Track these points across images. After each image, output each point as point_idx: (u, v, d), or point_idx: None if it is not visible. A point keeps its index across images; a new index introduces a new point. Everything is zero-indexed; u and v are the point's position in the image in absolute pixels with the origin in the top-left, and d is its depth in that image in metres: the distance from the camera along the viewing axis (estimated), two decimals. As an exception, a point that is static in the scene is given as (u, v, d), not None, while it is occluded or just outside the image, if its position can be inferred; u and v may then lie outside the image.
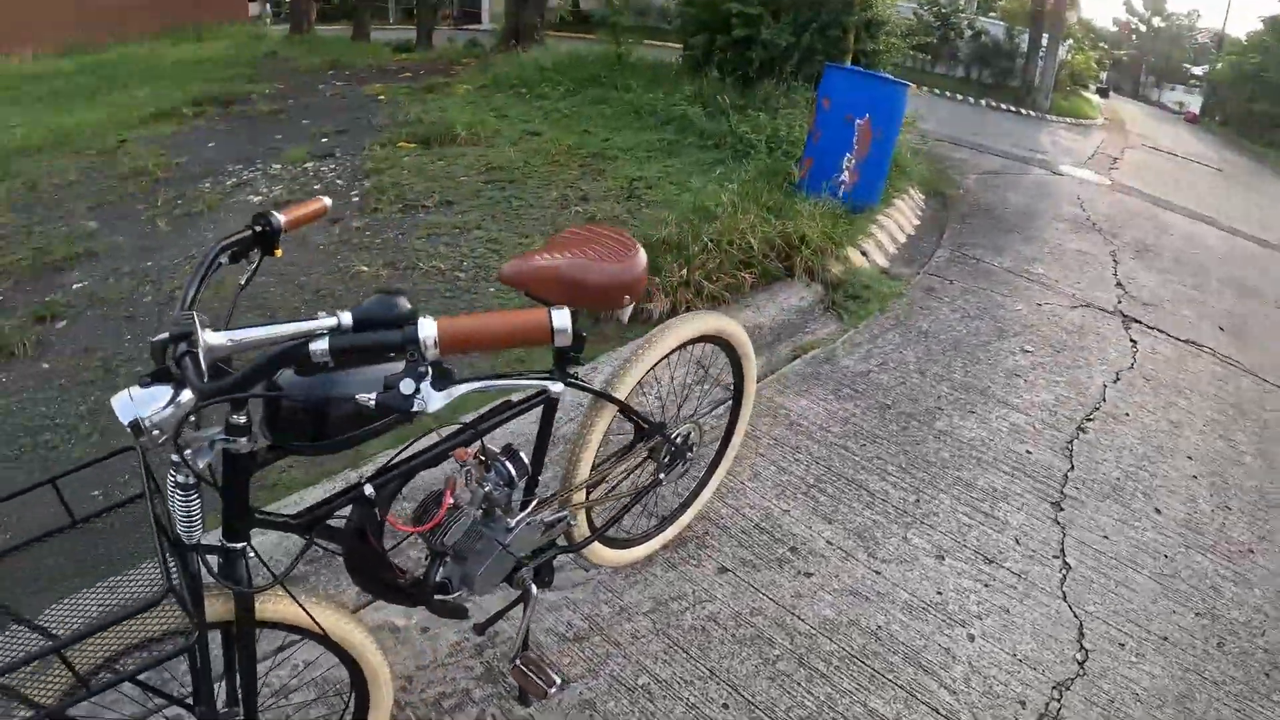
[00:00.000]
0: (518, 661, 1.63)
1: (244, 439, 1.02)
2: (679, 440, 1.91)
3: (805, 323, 3.39)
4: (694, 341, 1.88)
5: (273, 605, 1.16)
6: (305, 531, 1.24)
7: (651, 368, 1.75)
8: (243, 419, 1.02)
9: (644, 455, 1.89)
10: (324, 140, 4.69)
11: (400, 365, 1.03)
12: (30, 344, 2.93)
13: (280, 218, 1.31)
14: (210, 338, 0.97)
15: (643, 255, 1.60)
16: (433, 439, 1.40)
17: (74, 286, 3.41)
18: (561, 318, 0.97)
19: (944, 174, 6.34)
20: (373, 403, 0.98)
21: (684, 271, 2.94)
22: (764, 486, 2.38)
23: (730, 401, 2.16)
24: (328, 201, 1.42)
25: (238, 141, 4.84)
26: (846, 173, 4.36)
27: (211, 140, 4.90)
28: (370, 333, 0.98)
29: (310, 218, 1.39)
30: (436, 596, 1.48)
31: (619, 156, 4.22)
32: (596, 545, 1.86)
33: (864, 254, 4.10)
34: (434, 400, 0.99)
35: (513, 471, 1.45)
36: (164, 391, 0.94)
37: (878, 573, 2.10)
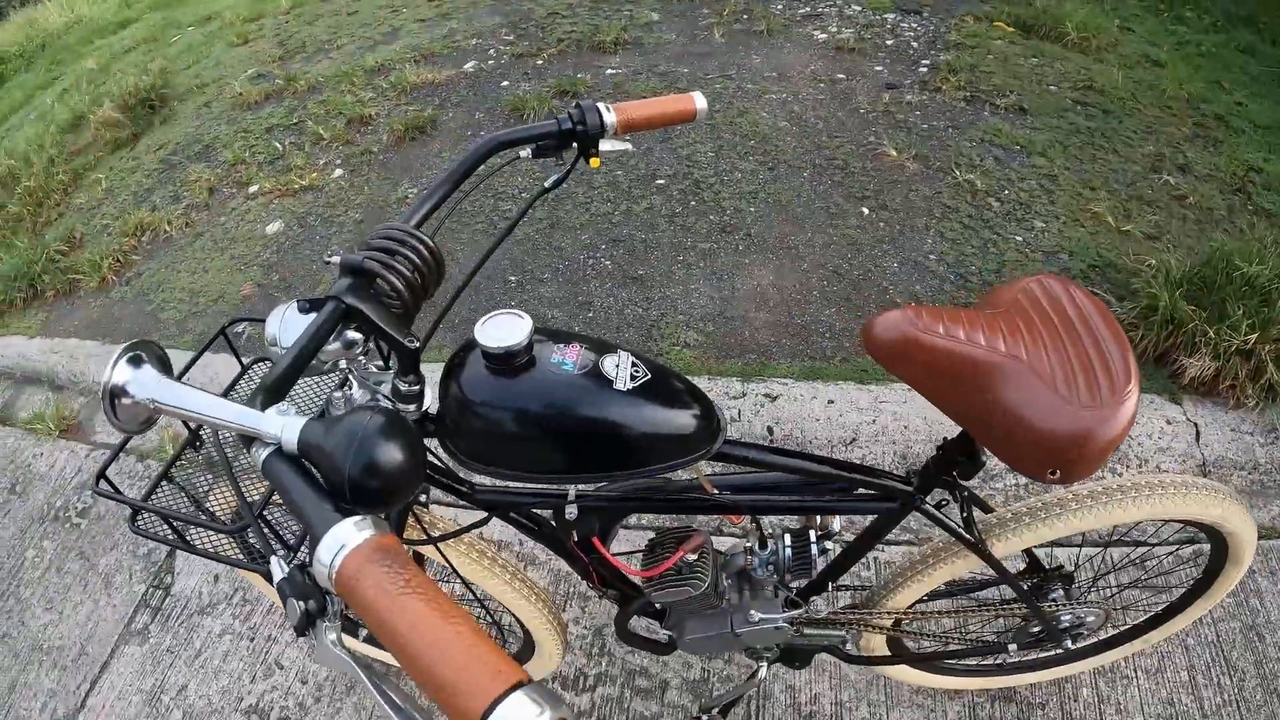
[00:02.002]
0: (703, 718, 1.48)
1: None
2: (1065, 622, 1.38)
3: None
4: (1167, 521, 1.27)
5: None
6: (487, 509, 1.07)
7: (1075, 534, 1.20)
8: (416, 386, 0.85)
9: (1003, 610, 1.40)
10: (918, -7, 4.28)
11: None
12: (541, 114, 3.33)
13: (610, 117, 0.99)
14: (138, 384, 0.71)
15: (1133, 402, 0.92)
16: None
17: (606, 72, 3.66)
18: None
19: None
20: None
21: (1252, 336, 2.14)
22: (1154, 693, 1.73)
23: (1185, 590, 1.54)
24: (700, 104, 1.06)
25: (835, -33, 4.65)
26: None
27: (813, -42, 4.79)
28: (298, 477, 0.61)
29: (663, 121, 1.04)
30: (636, 621, 1.30)
31: (1245, 130, 3.17)
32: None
33: None
34: (326, 653, 0.58)
35: (789, 562, 1.15)
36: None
37: None
